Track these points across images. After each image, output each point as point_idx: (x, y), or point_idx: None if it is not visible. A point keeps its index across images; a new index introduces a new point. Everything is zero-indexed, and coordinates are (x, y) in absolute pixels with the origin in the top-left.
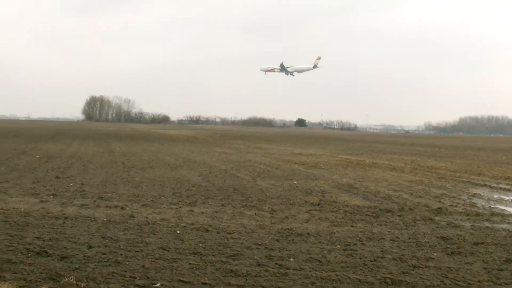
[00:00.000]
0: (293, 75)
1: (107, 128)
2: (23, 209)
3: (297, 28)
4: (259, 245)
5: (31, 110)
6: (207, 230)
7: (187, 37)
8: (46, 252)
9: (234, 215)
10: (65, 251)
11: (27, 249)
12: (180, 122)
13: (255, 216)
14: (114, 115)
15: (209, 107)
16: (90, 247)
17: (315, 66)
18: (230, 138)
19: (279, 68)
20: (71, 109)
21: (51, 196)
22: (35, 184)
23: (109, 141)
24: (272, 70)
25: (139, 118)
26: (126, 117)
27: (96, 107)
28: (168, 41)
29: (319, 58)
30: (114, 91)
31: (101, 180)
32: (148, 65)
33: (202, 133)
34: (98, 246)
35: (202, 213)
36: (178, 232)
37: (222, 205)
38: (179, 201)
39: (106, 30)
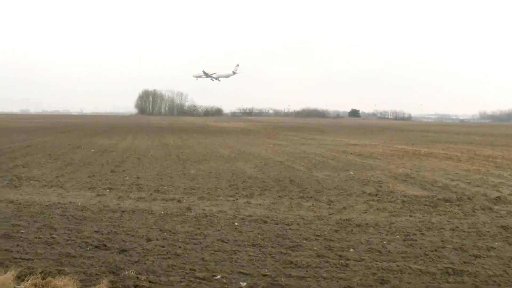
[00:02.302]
0: (219, 80)
1: (161, 121)
2: (80, 203)
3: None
4: (318, 236)
5: (84, 105)
6: (265, 222)
7: (239, 29)
8: (104, 245)
9: (291, 207)
10: (124, 245)
11: (86, 242)
12: (233, 114)
13: (312, 207)
14: (167, 109)
15: (262, 99)
16: (148, 240)
17: (234, 73)
18: (284, 129)
19: (204, 74)
20: (124, 103)
21: (108, 190)
22: (91, 178)
23: (163, 134)
24: (200, 76)
25: (192, 111)
26: (179, 110)
27: (148, 101)
28: (219, 33)
29: (237, 65)
30: (167, 85)
31: (156, 173)
32: (200, 58)
33: (255, 125)
34: (157, 239)
35: (259, 204)
36: (236, 224)
37: (279, 196)
38: (236, 193)
39: (158, 25)
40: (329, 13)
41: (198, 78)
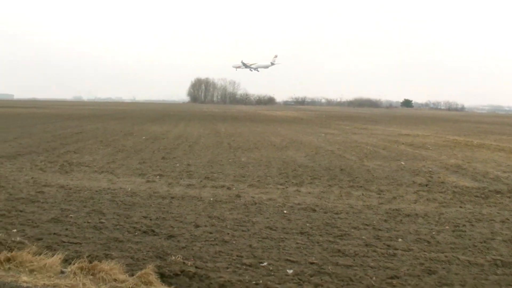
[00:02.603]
0: (258, 71)
1: (213, 109)
2: (129, 189)
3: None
4: (367, 225)
5: (136, 93)
6: (314, 210)
7: (292, 19)
8: (153, 231)
9: (341, 195)
10: (171, 230)
11: (134, 228)
12: (286, 103)
13: (362, 196)
14: (219, 97)
15: (314, 88)
16: (197, 226)
17: (272, 63)
18: (336, 119)
19: (243, 65)
20: (176, 91)
21: (158, 176)
22: (141, 165)
23: (215, 122)
24: (239, 67)
25: (245, 100)
26: (231, 98)
27: (201, 89)
28: (273, 22)
29: (276, 56)
30: (219, 73)
31: (207, 161)
32: (253, 46)
33: (307, 114)
34: (205, 226)
35: (309, 193)
36: (285, 212)
37: (329, 185)
38: (286, 181)
39: (211, 15)
40: (385, 5)
41: (237, 69)
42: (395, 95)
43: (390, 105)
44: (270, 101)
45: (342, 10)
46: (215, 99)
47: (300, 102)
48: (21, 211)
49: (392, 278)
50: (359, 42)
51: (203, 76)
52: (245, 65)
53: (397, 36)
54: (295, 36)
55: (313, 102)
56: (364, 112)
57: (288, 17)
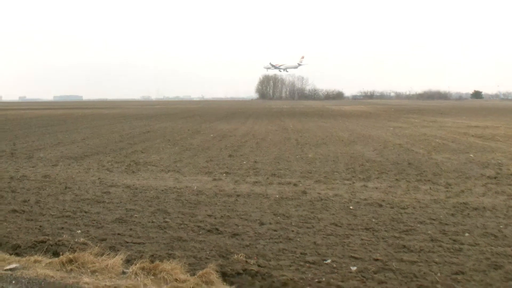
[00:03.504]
0: (287, 71)
1: (281, 106)
2: (195, 187)
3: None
4: (433, 220)
5: (205, 91)
6: (381, 205)
7: (361, 16)
8: (217, 229)
9: (408, 190)
10: (236, 229)
11: (198, 226)
12: (354, 97)
13: (429, 190)
14: (287, 93)
15: (383, 81)
16: (261, 224)
17: (299, 64)
18: (405, 112)
19: (272, 66)
20: (245, 89)
21: (224, 174)
22: (208, 163)
23: (283, 118)
24: (269, 68)
25: (313, 95)
26: (300, 94)
27: (269, 86)
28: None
29: (303, 57)
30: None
31: (274, 157)
32: (321, 41)
33: (376, 108)
34: (270, 223)
35: (376, 188)
36: (351, 207)
37: (396, 179)
38: (353, 177)
39: (277, 11)
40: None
41: (268, 69)
42: (465, 87)
43: (459, 97)
44: (338, 95)
45: (412, 3)
46: (283, 95)
47: (369, 96)
48: (86, 212)
49: (457, 273)
50: (427, 34)
51: (271, 72)
52: (274, 66)
53: (466, 26)
54: (364, 29)
55: (382, 96)
56: (433, 104)
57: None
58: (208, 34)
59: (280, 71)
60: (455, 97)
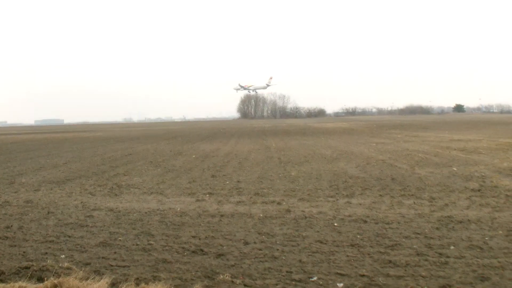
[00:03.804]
0: (256, 92)
1: (263, 125)
2: (179, 209)
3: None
4: (418, 234)
5: (186, 112)
6: (365, 221)
7: (339, 27)
8: (202, 250)
9: (392, 205)
10: (221, 249)
11: (183, 248)
12: (336, 114)
13: (413, 205)
14: (269, 112)
15: (365, 97)
16: (246, 243)
17: (267, 85)
18: (387, 128)
19: (240, 87)
20: (226, 108)
21: (207, 195)
22: (191, 184)
23: (265, 137)
24: (239, 89)
25: (295, 113)
26: (282, 112)
27: (251, 105)
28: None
29: (271, 78)
30: (268, 88)
31: (257, 177)
32: (301, 59)
33: (358, 125)
34: (255, 242)
35: (360, 204)
36: (335, 224)
37: (380, 195)
38: (336, 194)
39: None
40: (435, 10)
41: (237, 90)
42: (446, 101)
43: (441, 111)
44: (320, 113)
45: (392, 16)
46: (265, 114)
47: (351, 112)
48: (69, 236)
49: (444, 287)
50: (407, 49)
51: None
52: (243, 87)
53: (446, 40)
54: (344, 44)
55: (363, 112)
56: (415, 119)
57: (337, 25)
58: (189, 55)
59: (250, 92)
60: (437, 111)
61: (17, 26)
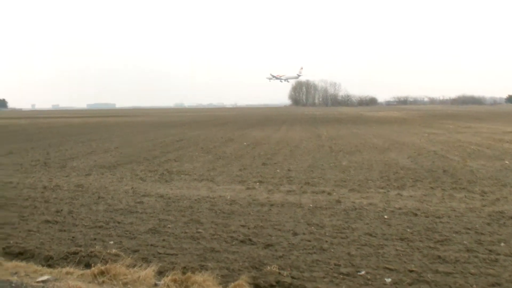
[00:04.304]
0: (288, 81)
1: (314, 112)
2: (229, 196)
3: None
4: (469, 229)
5: (238, 97)
6: (415, 215)
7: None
8: (250, 240)
9: (443, 198)
10: (269, 239)
11: (232, 237)
12: (388, 103)
13: (465, 198)
14: (320, 99)
15: (417, 87)
16: (295, 234)
17: (298, 75)
18: (439, 118)
19: (272, 77)
20: (278, 95)
21: (258, 183)
22: (241, 171)
23: (316, 125)
24: (271, 78)
25: (346, 101)
26: (333, 100)
27: (302, 92)
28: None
29: (302, 68)
30: (320, 74)
31: (308, 166)
32: (354, 46)
33: (410, 114)
34: (303, 233)
35: (411, 196)
36: (385, 217)
37: (431, 187)
38: (387, 185)
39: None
40: None
41: (270, 80)
42: (499, 91)
43: (494, 102)
44: (372, 101)
45: (445, 3)
46: (316, 101)
47: (403, 101)
48: (119, 222)
49: (493, 285)
50: (459, 38)
51: (304, 78)
52: (275, 77)
53: (498, 29)
54: (396, 32)
55: (415, 101)
56: (467, 109)
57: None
58: (243, 42)
59: (281, 82)
60: (490, 102)
61: (72, 10)
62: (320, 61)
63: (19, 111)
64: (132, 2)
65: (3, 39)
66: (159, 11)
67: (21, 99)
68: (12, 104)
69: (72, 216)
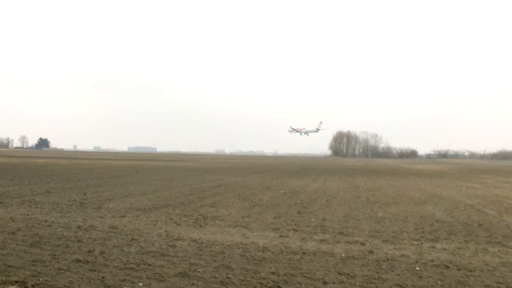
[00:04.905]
0: (308, 135)
1: (354, 163)
2: (261, 243)
3: None
4: (501, 283)
5: (278, 146)
6: (447, 267)
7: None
8: (279, 287)
9: (476, 252)
10: (299, 287)
11: (261, 283)
12: (428, 156)
13: (498, 253)
14: (361, 150)
15: (457, 141)
16: (325, 283)
17: (317, 129)
18: (478, 172)
19: (292, 130)
20: (318, 145)
21: (291, 231)
22: (276, 219)
23: (355, 176)
24: (291, 131)
25: (386, 153)
26: (373, 152)
27: (343, 143)
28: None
29: (321, 123)
30: (361, 126)
31: (343, 215)
32: (396, 99)
33: (449, 168)
34: (333, 282)
35: (444, 249)
36: (417, 268)
37: (465, 241)
38: (421, 237)
39: (362, 65)
40: None
41: (291, 132)
42: None
43: None
44: (412, 154)
45: (487, 60)
46: (357, 152)
47: (443, 155)
48: (150, 264)
49: None
50: (503, 93)
51: (344, 129)
52: (295, 130)
53: None
54: (437, 89)
55: (456, 155)
56: (507, 164)
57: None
58: (284, 90)
59: (301, 135)
60: None
61: (115, 57)
62: (361, 112)
63: (61, 151)
64: (175, 53)
65: (47, 79)
66: (202, 60)
67: (63, 140)
68: (54, 144)
69: (103, 257)
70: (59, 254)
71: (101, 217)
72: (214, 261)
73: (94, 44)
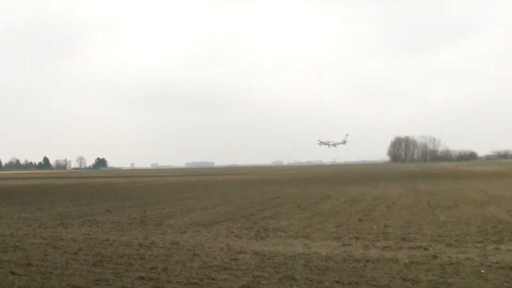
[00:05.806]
0: (336, 147)
1: (413, 168)
2: (324, 253)
3: None
4: None
5: (336, 155)
6: None
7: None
8: None
9: None
10: None
11: None
12: (488, 157)
13: None
14: (419, 155)
15: None
16: None
17: (344, 141)
18: None
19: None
20: (376, 151)
21: (354, 239)
22: (338, 228)
23: (415, 181)
24: (320, 143)
25: (445, 156)
26: (432, 156)
27: (401, 148)
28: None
29: (347, 135)
30: (419, 130)
31: (404, 221)
32: (455, 101)
33: (510, 168)
34: None
35: (509, 250)
36: (482, 271)
37: None
38: (485, 239)
39: (416, 69)
40: None
41: (320, 145)
42: None
43: None
44: (471, 156)
45: None
46: (415, 157)
47: (503, 155)
48: (213, 278)
49: None
50: None
51: (402, 134)
52: (323, 143)
53: None
54: (493, 87)
55: None
56: None
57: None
58: (341, 96)
59: (329, 147)
60: None
61: (169, 76)
62: (419, 116)
63: (118, 170)
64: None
65: (105, 99)
66: (263, 75)
67: (120, 158)
68: (112, 163)
69: (166, 273)
70: (122, 272)
71: (162, 234)
72: (277, 272)
73: (155, 62)
